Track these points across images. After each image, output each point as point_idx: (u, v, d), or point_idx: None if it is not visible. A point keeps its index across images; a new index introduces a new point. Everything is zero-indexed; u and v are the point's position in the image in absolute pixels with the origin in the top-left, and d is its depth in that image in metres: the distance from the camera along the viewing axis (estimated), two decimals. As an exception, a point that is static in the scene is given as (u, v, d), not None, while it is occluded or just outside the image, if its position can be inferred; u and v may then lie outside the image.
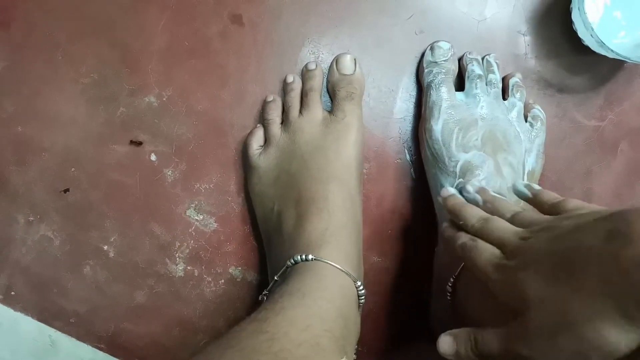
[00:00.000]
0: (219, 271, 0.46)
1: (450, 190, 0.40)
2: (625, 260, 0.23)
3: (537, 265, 0.28)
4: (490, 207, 0.37)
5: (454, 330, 0.33)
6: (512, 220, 0.34)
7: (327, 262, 0.37)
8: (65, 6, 0.46)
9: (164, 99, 0.46)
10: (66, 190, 0.47)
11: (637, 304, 0.23)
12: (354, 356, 0.35)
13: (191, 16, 0.46)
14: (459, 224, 0.36)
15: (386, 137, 0.46)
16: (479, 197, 0.38)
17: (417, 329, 0.47)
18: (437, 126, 0.42)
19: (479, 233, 0.34)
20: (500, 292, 0.30)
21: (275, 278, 0.39)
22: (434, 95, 0.43)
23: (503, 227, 0.33)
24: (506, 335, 0.29)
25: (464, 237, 0.35)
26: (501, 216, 0.35)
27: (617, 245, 0.24)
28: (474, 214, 0.36)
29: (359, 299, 0.39)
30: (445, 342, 0.33)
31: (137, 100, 0.46)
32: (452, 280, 0.40)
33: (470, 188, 0.39)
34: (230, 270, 0.47)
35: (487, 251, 0.32)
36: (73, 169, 0.46)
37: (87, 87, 0.46)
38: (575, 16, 0.43)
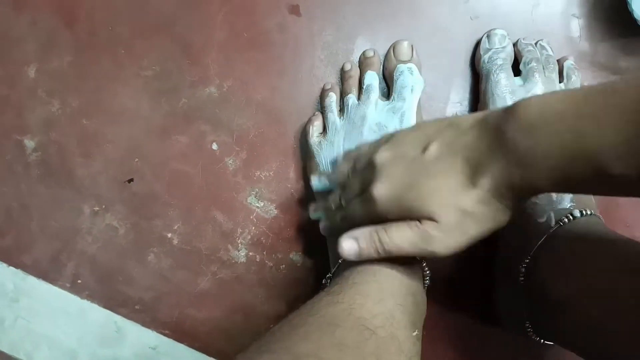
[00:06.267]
0: (279, 257, 0.47)
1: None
2: None
3: None
4: None
5: (355, 232, 0.34)
6: None
7: None
8: (126, 3, 0.48)
9: (224, 90, 0.47)
10: (130, 181, 0.48)
11: None
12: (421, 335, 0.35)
13: (250, 8, 0.47)
14: None
15: (442, 122, 0.47)
16: None
17: (479, 313, 0.47)
18: None
19: None
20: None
21: (339, 261, 0.40)
22: (493, 82, 0.43)
23: None
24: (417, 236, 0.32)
25: None
26: None
27: None
28: None
29: (424, 280, 0.39)
30: (347, 243, 0.34)
31: (198, 92, 0.47)
32: (526, 261, 0.40)
33: None
34: (290, 256, 0.47)
35: None
36: (136, 160, 0.48)
37: (149, 80, 0.48)
38: (632, -3, 0.43)
